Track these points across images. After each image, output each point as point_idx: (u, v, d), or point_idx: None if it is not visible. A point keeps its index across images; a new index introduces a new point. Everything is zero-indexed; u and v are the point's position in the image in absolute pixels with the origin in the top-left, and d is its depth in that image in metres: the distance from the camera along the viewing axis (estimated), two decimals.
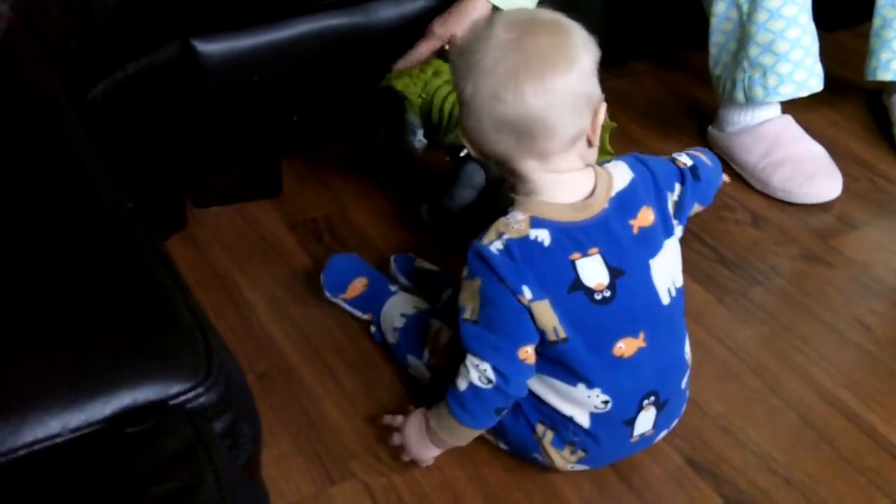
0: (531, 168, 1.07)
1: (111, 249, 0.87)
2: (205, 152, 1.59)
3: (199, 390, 0.75)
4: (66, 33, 1.33)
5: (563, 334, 1.06)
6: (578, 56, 1.04)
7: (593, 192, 1.08)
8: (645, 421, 1.14)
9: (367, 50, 1.57)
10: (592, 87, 1.06)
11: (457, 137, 1.47)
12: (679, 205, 1.14)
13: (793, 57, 1.59)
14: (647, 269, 1.09)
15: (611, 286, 1.07)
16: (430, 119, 1.48)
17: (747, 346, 1.37)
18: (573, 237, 1.06)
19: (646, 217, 1.09)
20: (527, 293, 1.05)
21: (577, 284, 1.06)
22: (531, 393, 1.13)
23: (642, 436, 1.15)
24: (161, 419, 0.73)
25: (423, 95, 1.49)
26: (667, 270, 1.11)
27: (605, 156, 1.36)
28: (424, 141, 1.52)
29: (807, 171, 1.64)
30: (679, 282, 1.14)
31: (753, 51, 1.60)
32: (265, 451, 0.87)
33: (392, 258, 1.48)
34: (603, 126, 1.16)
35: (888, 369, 1.33)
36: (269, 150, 1.67)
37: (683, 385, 1.18)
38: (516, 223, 1.06)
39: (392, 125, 1.51)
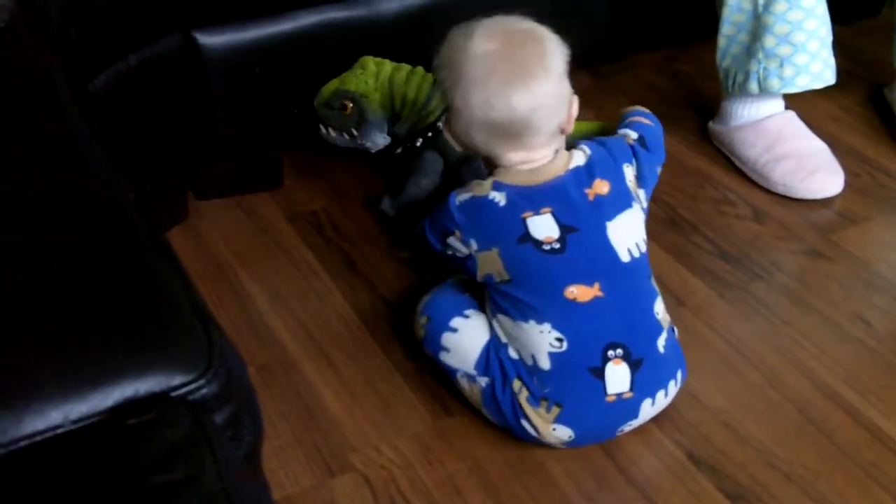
0: (513, 158, 1.21)
1: (112, 240, 0.87)
2: (206, 144, 1.59)
3: (201, 382, 0.75)
4: (67, 22, 1.33)
5: (506, 276, 1.18)
6: (553, 61, 1.19)
7: (552, 161, 1.21)
8: (617, 376, 1.16)
9: (368, 43, 1.57)
10: (566, 86, 1.21)
11: (412, 126, 1.48)
12: (640, 176, 1.26)
13: (810, 48, 1.59)
14: (603, 229, 1.19)
15: (560, 240, 1.17)
16: (392, 109, 1.49)
17: (747, 341, 1.38)
18: (528, 198, 1.19)
19: (600, 187, 1.21)
20: (473, 245, 1.20)
21: (526, 237, 1.18)
22: (506, 347, 1.20)
23: (620, 397, 1.17)
24: (162, 410, 0.73)
25: (379, 88, 1.49)
26: (625, 235, 1.20)
27: None
28: (388, 138, 1.52)
29: (808, 166, 1.64)
30: (643, 248, 1.22)
31: (770, 41, 1.59)
32: (265, 443, 0.87)
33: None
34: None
35: (888, 364, 1.34)
36: (270, 143, 1.67)
37: (662, 348, 1.20)
38: (485, 184, 1.21)
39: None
